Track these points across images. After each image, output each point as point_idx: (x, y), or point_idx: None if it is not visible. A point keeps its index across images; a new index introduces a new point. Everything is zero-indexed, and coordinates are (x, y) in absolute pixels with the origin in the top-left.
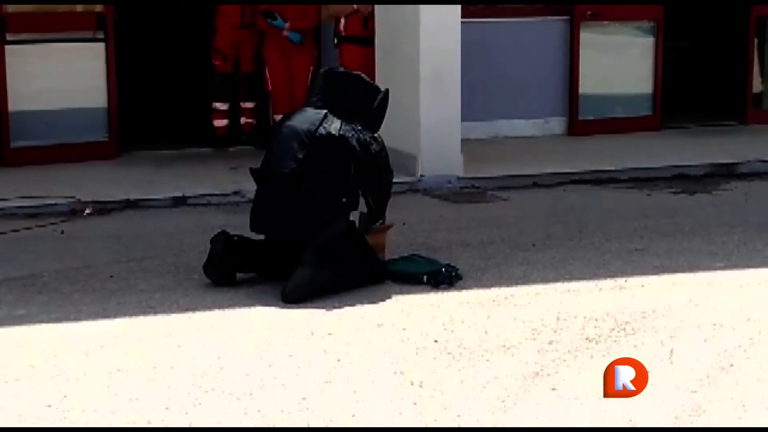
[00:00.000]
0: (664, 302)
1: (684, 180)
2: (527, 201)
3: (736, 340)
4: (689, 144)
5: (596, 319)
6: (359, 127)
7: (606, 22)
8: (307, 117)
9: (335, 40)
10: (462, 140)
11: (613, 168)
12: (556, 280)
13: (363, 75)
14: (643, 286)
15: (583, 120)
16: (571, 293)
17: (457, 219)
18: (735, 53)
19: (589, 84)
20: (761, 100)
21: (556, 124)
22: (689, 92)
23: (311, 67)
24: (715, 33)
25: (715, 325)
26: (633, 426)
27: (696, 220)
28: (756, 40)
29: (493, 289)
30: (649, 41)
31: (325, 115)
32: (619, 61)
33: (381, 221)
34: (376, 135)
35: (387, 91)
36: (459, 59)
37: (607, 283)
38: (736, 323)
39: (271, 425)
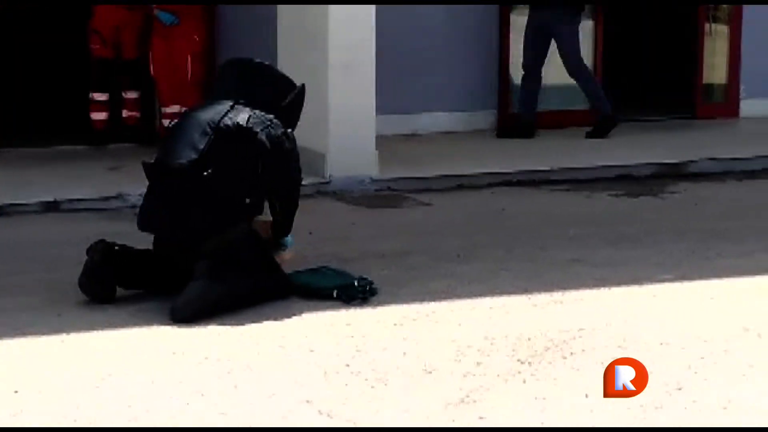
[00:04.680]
0: (605, 318)
1: (627, 181)
2: (451, 205)
3: (686, 361)
4: (633, 141)
5: (529, 339)
6: (271, 122)
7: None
8: (212, 107)
9: None
10: (377, 136)
11: (548, 168)
12: (483, 294)
13: (274, 66)
14: (581, 300)
15: (515, 113)
16: (500, 309)
17: (372, 226)
18: (685, 40)
19: (521, 74)
20: (713, 91)
21: (484, 118)
22: (633, 83)
23: (189, 55)
24: (662, 16)
25: (662, 344)
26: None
27: (640, 226)
28: (708, 26)
29: (412, 305)
30: (588, 26)
31: (232, 106)
32: (555, 49)
33: (290, 237)
34: (288, 131)
35: (303, 85)
36: (373, 44)
37: (542, 298)
38: (685, 342)
39: None
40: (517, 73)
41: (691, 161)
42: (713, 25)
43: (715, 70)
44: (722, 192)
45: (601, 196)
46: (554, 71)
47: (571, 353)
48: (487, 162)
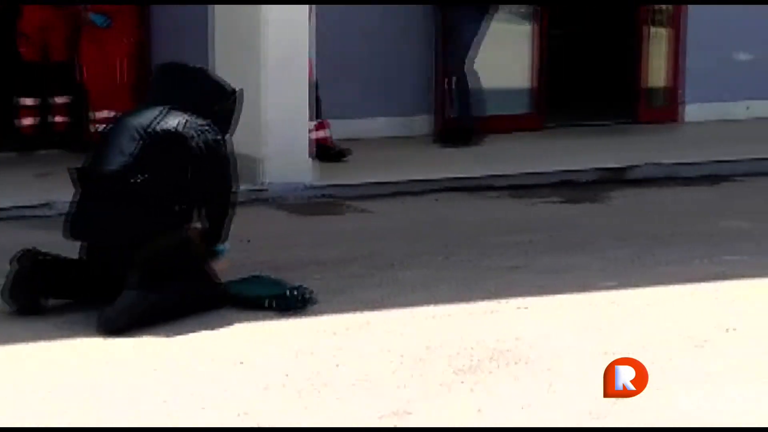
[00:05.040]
0: (547, 327)
1: (569, 187)
2: (390, 212)
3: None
4: (575, 146)
5: (468, 348)
6: (205, 127)
7: None
8: (145, 112)
9: None
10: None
11: (488, 173)
12: (422, 303)
13: (208, 70)
14: (522, 309)
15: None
16: (439, 318)
17: (309, 233)
18: (626, 42)
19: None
20: (655, 95)
21: (423, 124)
22: (575, 86)
23: (122, 58)
24: (604, 18)
25: (605, 353)
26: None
27: (582, 233)
28: (649, 28)
29: (349, 314)
30: (528, 28)
31: (165, 111)
32: (495, 51)
33: (224, 245)
34: (223, 137)
35: (239, 90)
36: (307, 45)
37: (482, 306)
38: (628, 351)
39: None
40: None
41: (633, 167)
42: (655, 27)
43: (657, 73)
44: (664, 197)
45: (542, 202)
46: (497, 75)
47: (511, 363)
48: (426, 168)
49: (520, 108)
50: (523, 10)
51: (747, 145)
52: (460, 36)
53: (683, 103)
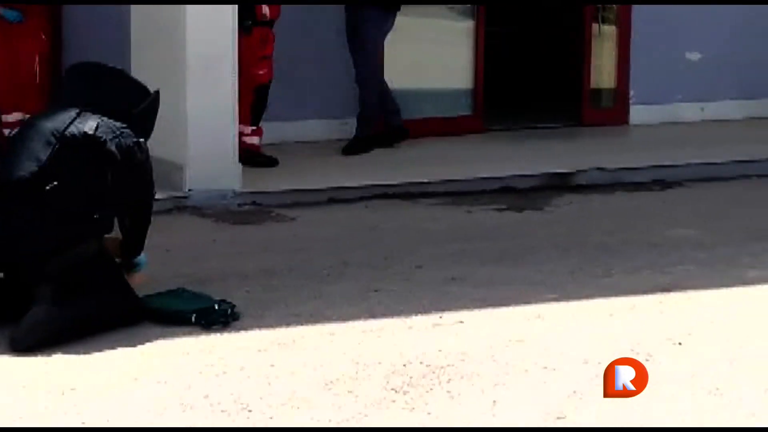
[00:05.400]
0: (487, 341)
1: (511, 194)
2: (321, 221)
3: (570, 386)
4: (517, 150)
5: (404, 365)
6: (123, 130)
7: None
8: (57, 115)
9: (249, 22)
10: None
11: (425, 179)
12: (355, 317)
13: (126, 71)
14: (461, 322)
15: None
16: (373, 333)
17: (234, 244)
18: (572, 41)
19: (395, 77)
20: (601, 97)
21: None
22: (517, 87)
23: (34, 56)
24: (549, 17)
25: (545, 368)
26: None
27: (524, 242)
28: (596, 27)
29: (277, 329)
30: (467, 26)
31: (79, 113)
32: (432, 50)
33: (143, 256)
34: (141, 141)
35: (157, 92)
36: (233, 46)
37: (418, 320)
38: (570, 366)
39: None
40: (391, 77)
41: (578, 172)
42: (601, 26)
43: (603, 73)
44: (611, 204)
45: (482, 210)
46: (435, 75)
47: (450, 380)
48: (359, 173)
49: (460, 110)
50: (462, 6)
51: (697, 149)
52: (367, 40)
53: (632, 104)
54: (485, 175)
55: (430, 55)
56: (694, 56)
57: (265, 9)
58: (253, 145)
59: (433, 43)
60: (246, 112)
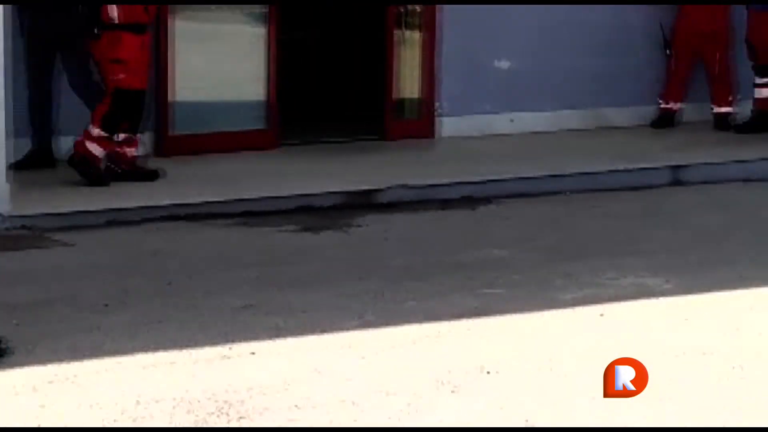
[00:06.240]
0: (282, 375)
1: (308, 213)
2: (99, 245)
3: (371, 421)
4: (315, 166)
5: (190, 402)
6: None
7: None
8: None
9: (96, 30)
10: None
11: (215, 199)
12: (136, 350)
13: None
14: (254, 354)
15: (176, 135)
16: (156, 368)
17: (2, 272)
18: (374, 48)
19: (183, 89)
20: (405, 108)
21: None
22: (316, 99)
23: None
24: (350, 21)
25: (343, 401)
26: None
27: (323, 265)
28: (399, 31)
29: (50, 365)
30: (259, 32)
31: None
32: (220, 58)
33: None
34: None
35: None
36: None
37: (206, 353)
38: (371, 398)
39: None
40: (178, 88)
41: (381, 189)
42: (406, 32)
43: (408, 83)
44: (417, 223)
45: (278, 231)
46: (223, 86)
47: (242, 417)
48: (143, 194)
49: (252, 124)
50: (253, 10)
51: (508, 163)
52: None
53: (439, 116)
54: (280, 194)
55: (219, 64)
56: (503, 65)
57: (113, 12)
58: (132, 156)
59: (221, 50)
60: (98, 114)
